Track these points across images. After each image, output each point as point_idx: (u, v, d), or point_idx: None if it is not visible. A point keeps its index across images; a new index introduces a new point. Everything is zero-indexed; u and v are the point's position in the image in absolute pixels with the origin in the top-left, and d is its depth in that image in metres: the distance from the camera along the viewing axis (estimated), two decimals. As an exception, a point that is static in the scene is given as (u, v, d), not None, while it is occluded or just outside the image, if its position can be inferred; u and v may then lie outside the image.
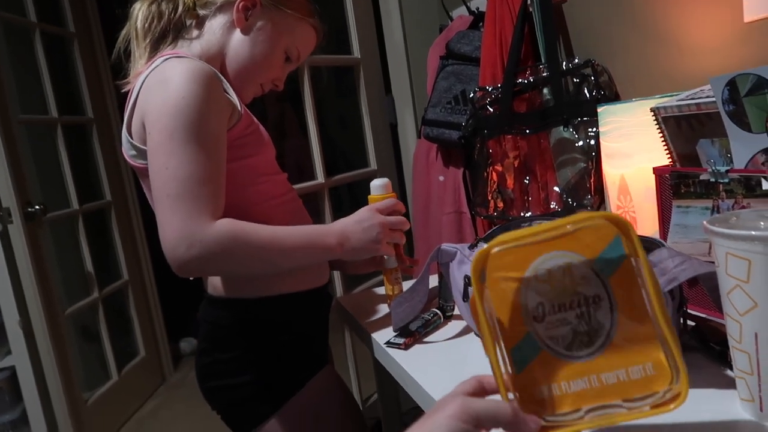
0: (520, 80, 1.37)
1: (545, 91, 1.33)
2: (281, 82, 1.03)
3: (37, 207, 2.15)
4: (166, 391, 3.01)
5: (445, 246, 0.93)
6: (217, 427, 1.01)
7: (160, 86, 0.82)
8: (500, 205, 1.42)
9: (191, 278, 0.87)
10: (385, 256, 1.00)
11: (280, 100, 3.10)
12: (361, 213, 0.94)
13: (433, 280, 1.07)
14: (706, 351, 0.71)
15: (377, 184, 1.00)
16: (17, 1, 2.33)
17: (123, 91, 0.95)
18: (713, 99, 0.78)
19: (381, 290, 1.20)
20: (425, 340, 0.92)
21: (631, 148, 1.00)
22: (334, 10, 1.95)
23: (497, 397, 0.50)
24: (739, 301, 0.54)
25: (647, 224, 0.93)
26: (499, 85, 1.41)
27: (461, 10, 1.80)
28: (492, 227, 1.08)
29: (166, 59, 0.85)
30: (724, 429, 0.56)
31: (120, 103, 0.85)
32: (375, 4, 2.09)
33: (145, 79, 0.86)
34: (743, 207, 0.74)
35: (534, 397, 0.48)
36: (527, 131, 1.35)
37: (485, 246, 0.48)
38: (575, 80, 1.27)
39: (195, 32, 0.94)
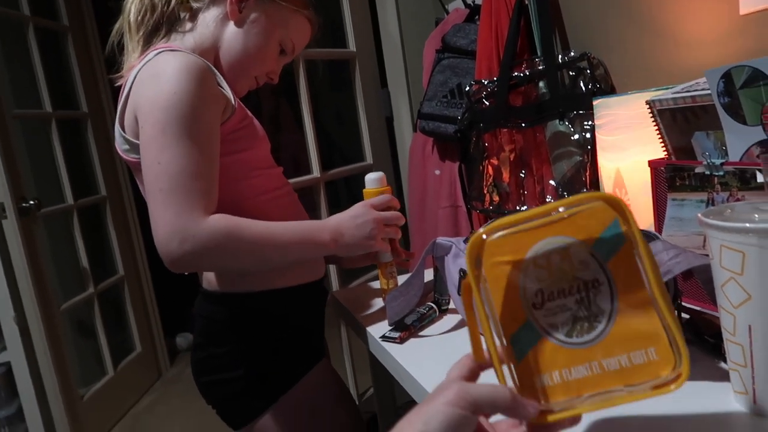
0: (515, 73, 1.36)
1: (541, 84, 1.32)
2: (276, 75, 1.02)
3: (31, 202, 2.14)
4: (163, 386, 3.00)
5: (441, 240, 0.93)
6: (214, 421, 1.01)
7: (153, 80, 0.82)
8: (496, 198, 1.42)
9: (186, 273, 0.86)
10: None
11: (276, 94, 3.09)
12: (356, 209, 0.93)
13: (429, 274, 1.07)
14: (701, 344, 0.71)
15: (372, 178, 1.00)
16: (10, -6, 2.31)
17: (116, 85, 0.94)
18: (708, 92, 0.78)
19: (376, 284, 1.19)
20: (420, 334, 0.92)
21: (626, 141, 0.99)
22: (330, 4, 1.94)
23: (492, 373, 0.50)
24: (733, 294, 0.54)
25: (642, 217, 0.93)
26: (495, 79, 1.40)
27: (457, 3, 1.80)
28: (488, 221, 1.08)
29: (159, 53, 0.85)
30: (718, 421, 0.56)
31: (115, 97, 0.84)
32: (370, -2, 2.09)
33: (138, 72, 0.85)
34: (738, 200, 0.74)
35: (534, 386, 0.48)
36: (523, 125, 1.34)
37: (481, 230, 0.48)
38: (571, 73, 1.27)
39: (188, 25, 0.94)
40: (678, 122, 0.86)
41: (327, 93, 3.37)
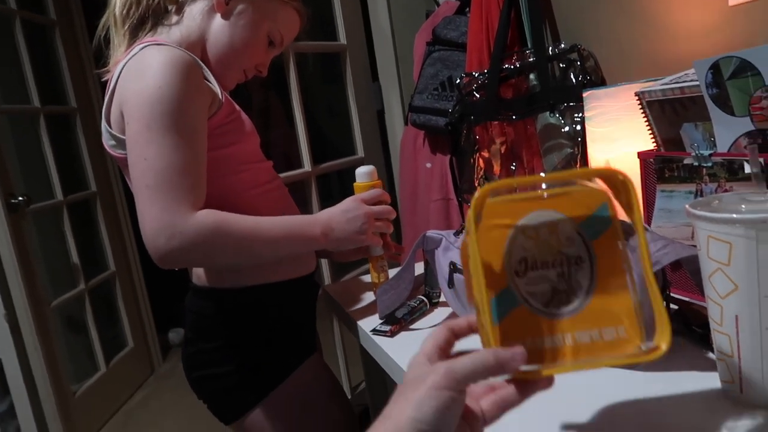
0: (506, 66, 1.36)
1: (531, 76, 1.32)
2: (265, 67, 1.01)
3: (20, 198, 2.12)
4: (155, 381, 3.00)
5: (431, 233, 0.93)
6: (206, 416, 1.01)
7: (138, 75, 0.81)
8: (487, 191, 1.42)
9: (176, 269, 0.86)
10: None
11: (266, 87, 3.08)
12: (346, 203, 0.93)
13: (419, 268, 1.07)
14: (689, 334, 0.71)
15: (362, 172, 0.99)
16: (-4, -12, 2.28)
17: (103, 80, 0.94)
18: (697, 83, 0.78)
19: (368, 278, 1.19)
20: (411, 327, 0.92)
21: (616, 132, 0.99)
22: (320, -4, 1.93)
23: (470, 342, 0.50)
24: (721, 284, 0.54)
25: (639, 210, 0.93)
26: (485, 71, 1.40)
27: (447, -4, 1.79)
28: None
29: (145, 47, 0.84)
30: (706, 410, 0.57)
31: (104, 91, 0.84)
32: (361, -10, 2.07)
33: (124, 67, 0.84)
34: (726, 190, 0.75)
35: None
36: (514, 117, 1.34)
37: (488, 187, 0.48)
38: (561, 65, 1.27)
39: (174, 18, 0.93)
40: (667, 113, 0.86)
41: (317, 86, 3.36)
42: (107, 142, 0.90)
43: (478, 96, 1.41)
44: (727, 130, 0.76)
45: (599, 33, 1.26)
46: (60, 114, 2.66)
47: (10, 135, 2.33)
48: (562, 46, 1.27)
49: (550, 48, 1.29)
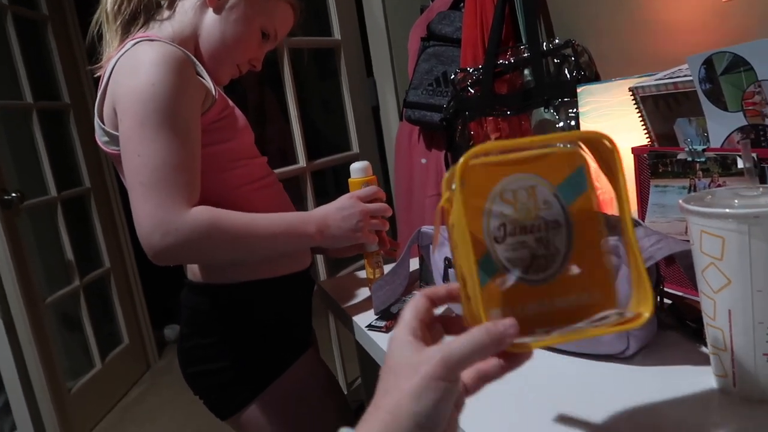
0: (501, 61, 1.36)
1: (526, 72, 1.32)
2: (259, 62, 1.01)
3: (13, 194, 2.11)
4: (152, 378, 3.00)
5: (425, 228, 0.93)
6: (203, 412, 1.01)
7: (131, 71, 0.81)
8: (482, 187, 1.42)
9: (171, 266, 0.86)
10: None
11: (261, 83, 3.07)
12: (342, 201, 0.93)
13: (414, 263, 1.07)
14: (682, 328, 0.72)
15: (357, 167, 0.99)
16: (-13, -17, 2.27)
17: (96, 76, 0.93)
18: (690, 78, 0.78)
19: (363, 274, 1.19)
20: (406, 322, 0.92)
21: (610, 128, 1.00)
22: (314, -9, 1.92)
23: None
24: (714, 279, 0.54)
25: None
26: (480, 67, 1.40)
27: (442, -9, 1.78)
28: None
29: (137, 43, 0.83)
30: (699, 404, 0.57)
31: (97, 87, 0.83)
32: (355, -15, 2.07)
33: (116, 63, 0.84)
34: (719, 185, 0.75)
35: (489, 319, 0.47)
36: (508, 113, 1.34)
37: (470, 151, 0.46)
38: (556, 61, 1.27)
39: (166, 13, 0.92)
40: (660, 109, 0.86)
41: (312, 82, 3.35)
42: (100, 139, 0.90)
43: (472, 92, 1.41)
44: (720, 126, 0.76)
45: (593, 29, 1.26)
46: (53, 110, 2.65)
47: (3, 131, 2.31)
48: (557, 41, 1.27)
49: (545, 44, 1.29)
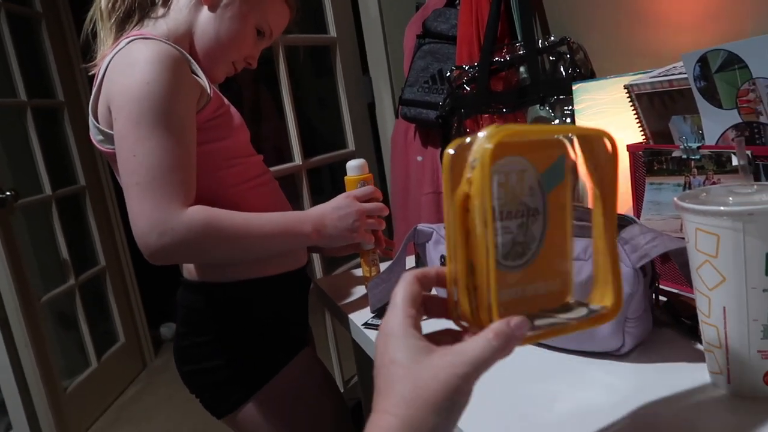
0: (496, 59, 1.36)
1: (522, 69, 1.32)
2: (254, 59, 1.01)
3: (8, 193, 2.11)
4: (148, 376, 2.99)
5: (422, 226, 0.93)
6: (200, 411, 1.01)
7: (125, 70, 0.80)
8: (478, 184, 1.42)
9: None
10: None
11: (256, 81, 3.06)
12: (338, 200, 0.93)
13: (410, 261, 1.07)
14: (677, 326, 0.72)
15: (353, 165, 0.99)
16: (-20, -20, 2.25)
17: (90, 74, 0.93)
18: (685, 75, 0.78)
19: (359, 272, 1.19)
20: (403, 320, 0.92)
21: (605, 125, 0.99)
22: (309, -11, 1.92)
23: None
24: (708, 276, 0.55)
25: (621, 201, 0.94)
26: (475, 64, 1.40)
27: (437, -12, 1.78)
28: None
29: (131, 41, 0.83)
30: (694, 400, 0.57)
31: (92, 85, 0.83)
32: (350, -18, 2.06)
33: (110, 61, 0.84)
34: (714, 183, 0.75)
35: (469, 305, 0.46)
36: (504, 110, 1.34)
37: (495, 134, 0.43)
38: (551, 58, 1.27)
39: (161, 11, 0.92)
40: (656, 106, 0.87)
41: (308, 79, 3.34)
42: (95, 137, 0.89)
43: (468, 89, 1.41)
44: (715, 123, 0.76)
45: (589, 26, 1.26)
46: (47, 108, 2.64)
47: (-3, 129, 2.31)
48: (552, 38, 1.27)
49: (540, 41, 1.29)
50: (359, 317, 0.95)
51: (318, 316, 2.07)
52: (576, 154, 0.50)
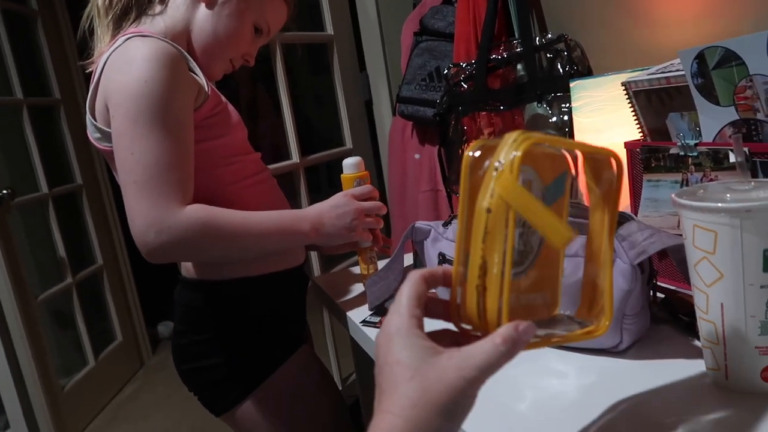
0: (494, 56, 1.36)
1: (519, 66, 1.32)
2: (252, 57, 1.00)
3: (4, 191, 2.10)
4: (145, 375, 2.99)
5: (420, 224, 0.93)
6: (198, 408, 1.01)
7: (123, 68, 0.80)
8: (475, 182, 1.42)
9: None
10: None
11: (253, 79, 3.06)
12: (336, 199, 0.93)
13: (408, 259, 1.07)
14: (675, 322, 0.72)
15: (349, 163, 0.99)
16: (-25, -23, 2.24)
17: (87, 71, 0.92)
18: (683, 73, 0.78)
19: (357, 269, 1.19)
20: (401, 318, 0.92)
21: (602, 123, 1.00)
22: (306, -14, 1.91)
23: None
24: (706, 273, 0.55)
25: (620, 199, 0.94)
26: (473, 61, 1.40)
27: (435, -15, 1.78)
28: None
29: (129, 38, 0.83)
30: (691, 397, 0.58)
31: (88, 83, 0.83)
32: (347, -20, 2.06)
33: (108, 59, 0.83)
34: (711, 179, 0.75)
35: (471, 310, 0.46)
36: (501, 107, 1.34)
37: (525, 140, 0.43)
38: (549, 55, 1.27)
39: (158, 8, 0.91)
40: (653, 103, 0.87)
41: (305, 77, 3.34)
42: (92, 135, 0.89)
43: (465, 86, 1.41)
44: (712, 120, 0.77)
45: (586, 23, 1.26)
46: (43, 106, 2.63)
47: (-7, 127, 2.30)
48: (549, 36, 1.27)
49: (537, 38, 1.29)
50: (357, 315, 0.95)
51: (316, 313, 2.07)
52: (577, 170, 0.50)
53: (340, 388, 1.50)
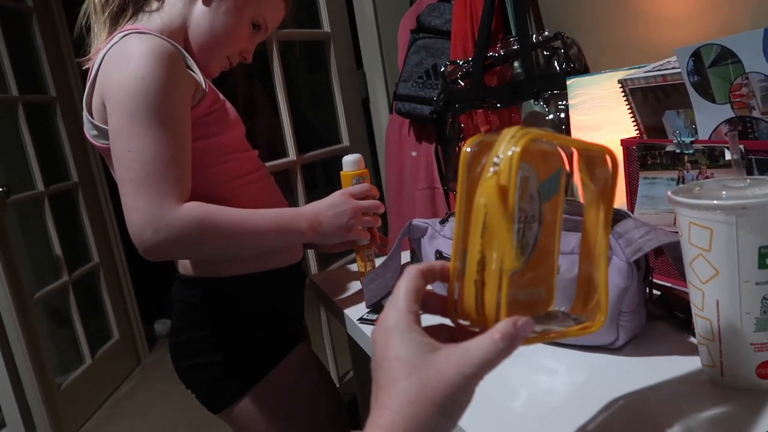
0: (490, 54, 1.36)
1: (516, 64, 1.32)
2: (249, 54, 1.00)
3: (0, 189, 2.09)
4: (142, 372, 2.99)
5: (417, 221, 0.93)
6: (195, 406, 1.01)
7: (120, 65, 0.80)
8: (472, 179, 1.42)
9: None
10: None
11: (250, 76, 3.05)
12: (334, 197, 0.93)
13: (405, 256, 1.08)
14: (671, 319, 0.73)
15: (349, 160, 0.99)
16: (-30, -26, 2.23)
17: (84, 68, 0.92)
18: (679, 70, 0.78)
19: (354, 267, 1.19)
20: (398, 315, 0.92)
21: (599, 120, 1.00)
22: (303, -17, 1.91)
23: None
24: (702, 270, 0.55)
25: (615, 196, 0.94)
26: (470, 59, 1.40)
27: (431, -17, 1.77)
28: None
29: (126, 35, 0.83)
30: (687, 393, 0.58)
31: (84, 80, 0.83)
32: (344, -23, 2.06)
33: (105, 56, 0.83)
34: (707, 177, 0.76)
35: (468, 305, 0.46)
36: (498, 105, 1.35)
37: (525, 136, 0.43)
38: (545, 53, 1.27)
39: (155, 5, 0.91)
40: (649, 101, 0.87)
41: (302, 75, 3.33)
42: (89, 132, 0.89)
43: (462, 84, 1.41)
44: (708, 118, 0.77)
45: (583, 21, 1.26)
46: (39, 103, 2.62)
47: (-12, 125, 2.29)
48: (546, 33, 1.28)
49: (534, 36, 1.29)
50: (354, 312, 0.95)
51: (313, 311, 2.07)
52: (572, 167, 0.50)
53: (338, 386, 1.51)
